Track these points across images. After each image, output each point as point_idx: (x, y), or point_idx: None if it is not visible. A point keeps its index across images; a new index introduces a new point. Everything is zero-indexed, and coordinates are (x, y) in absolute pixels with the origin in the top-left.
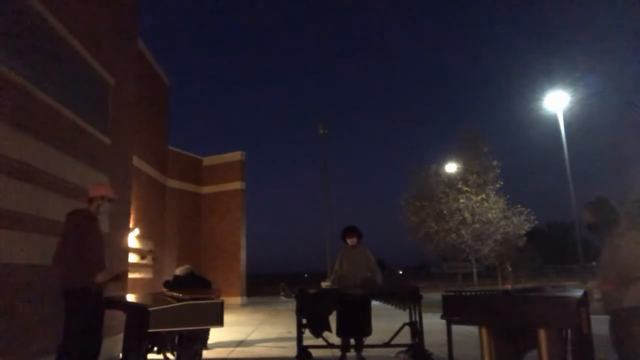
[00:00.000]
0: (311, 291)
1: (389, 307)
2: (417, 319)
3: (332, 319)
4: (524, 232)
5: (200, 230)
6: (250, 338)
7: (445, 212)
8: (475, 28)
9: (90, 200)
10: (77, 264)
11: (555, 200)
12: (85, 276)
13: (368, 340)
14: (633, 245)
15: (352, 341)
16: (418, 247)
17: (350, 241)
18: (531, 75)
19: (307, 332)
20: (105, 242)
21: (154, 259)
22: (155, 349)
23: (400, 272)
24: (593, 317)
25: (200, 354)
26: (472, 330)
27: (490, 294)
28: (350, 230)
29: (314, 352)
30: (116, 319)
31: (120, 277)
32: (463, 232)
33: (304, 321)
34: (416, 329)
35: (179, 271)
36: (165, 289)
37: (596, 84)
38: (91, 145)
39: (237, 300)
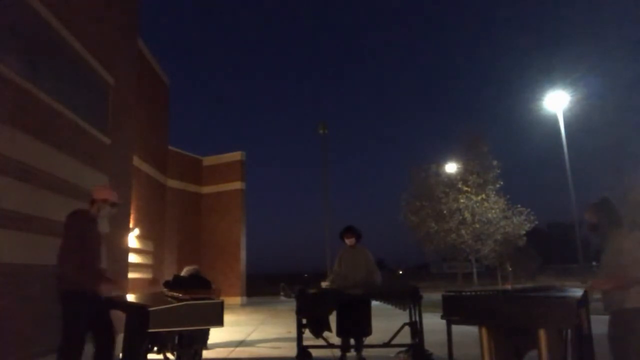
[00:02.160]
0: (311, 291)
1: (389, 307)
2: (417, 319)
3: (332, 319)
4: (524, 232)
5: (201, 230)
6: (250, 338)
7: (445, 212)
8: (475, 28)
9: (93, 202)
10: (78, 266)
11: (555, 200)
12: (84, 279)
13: (368, 340)
14: (636, 247)
15: (352, 341)
16: (418, 247)
17: (349, 241)
18: (531, 75)
19: (307, 332)
20: (103, 244)
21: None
22: (155, 349)
23: (400, 272)
24: (593, 317)
25: (200, 354)
26: (472, 330)
27: (490, 294)
28: (349, 231)
29: (314, 352)
30: (116, 319)
31: (119, 285)
32: (463, 232)
33: (304, 321)
34: (416, 329)
35: (185, 271)
36: (165, 289)
37: (596, 84)
38: (91, 145)
39: (237, 300)
